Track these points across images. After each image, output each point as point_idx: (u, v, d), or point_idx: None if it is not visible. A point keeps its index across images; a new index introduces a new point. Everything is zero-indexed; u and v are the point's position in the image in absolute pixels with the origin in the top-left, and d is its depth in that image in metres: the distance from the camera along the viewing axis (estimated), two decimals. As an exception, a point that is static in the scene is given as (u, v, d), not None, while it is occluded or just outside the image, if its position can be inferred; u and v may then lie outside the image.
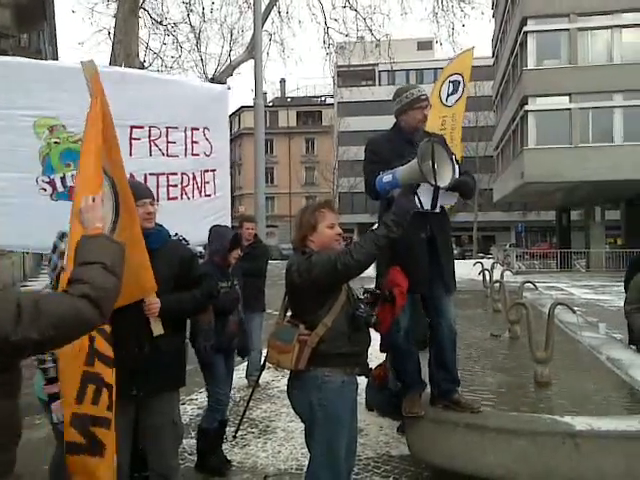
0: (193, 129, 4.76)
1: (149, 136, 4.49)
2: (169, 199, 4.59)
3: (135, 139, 4.37)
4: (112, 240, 2.05)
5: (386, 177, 3.21)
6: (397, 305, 3.13)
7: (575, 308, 5.16)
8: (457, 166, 3.43)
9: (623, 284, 6.40)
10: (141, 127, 4.43)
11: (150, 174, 4.43)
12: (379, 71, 52.47)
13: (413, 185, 3.06)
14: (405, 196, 2.91)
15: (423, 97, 3.59)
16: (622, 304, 5.85)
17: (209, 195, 4.97)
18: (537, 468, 3.17)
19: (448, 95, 8.05)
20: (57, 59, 23.90)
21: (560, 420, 3.28)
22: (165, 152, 4.59)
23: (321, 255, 2.83)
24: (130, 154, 4.28)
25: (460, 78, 8.06)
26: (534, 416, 3.45)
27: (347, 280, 2.90)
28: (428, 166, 2.96)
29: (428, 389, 3.80)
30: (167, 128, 4.58)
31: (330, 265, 2.76)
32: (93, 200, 2.21)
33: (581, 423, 3.21)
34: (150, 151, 4.50)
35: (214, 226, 4.48)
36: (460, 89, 8.02)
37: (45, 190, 4.15)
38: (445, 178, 3.08)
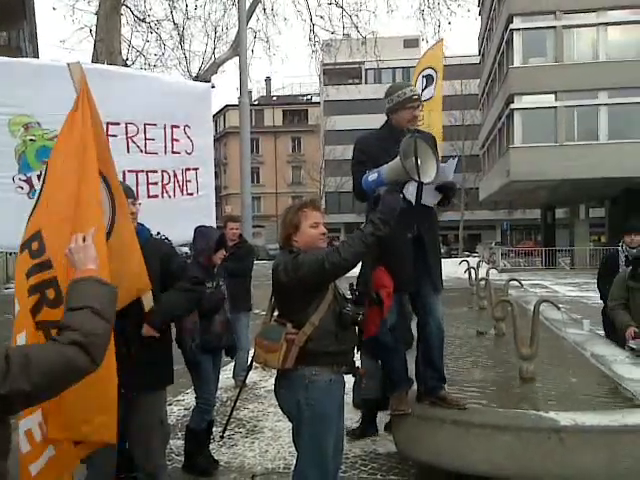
0: (173, 126, 4.72)
1: (126, 133, 4.43)
2: (149, 197, 4.55)
3: (111, 136, 4.29)
4: (103, 282, 1.97)
5: (372, 175, 3.20)
6: (385, 306, 3.13)
7: (560, 305, 5.21)
8: (454, 165, 3.44)
9: (596, 281, 6.47)
10: (117, 124, 4.38)
11: (129, 171, 4.38)
12: (365, 69, 52.46)
13: (399, 182, 3.06)
14: (391, 194, 2.90)
15: (415, 97, 3.57)
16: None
17: (191, 194, 4.93)
18: (523, 463, 3.19)
19: (422, 90, 8.04)
20: (38, 57, 23.60)
21: (545, 415, 3.31)
22: (143, 149, 4.54)
23: (308, 254, 2.83)
24: None
25: (433, 72, 8.06)
26: (519, 412, 3.47)
27: (335, 279, 2.90)
28: (411, 162, 2.95)
29: (414, 386, 3.82)
30: (145, 125, 4.53)
31: (318, 264, 2.75)
32: (84, 240, 2.09)
33: (565, 418, 3.24)
34: (127, 148, 4.45)
35: (199, 226, 4.45)
36: (434, 83, 8.00)
37: (22, 188, 4.11)
38: (429, 173, 3.06)
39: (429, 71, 8.09)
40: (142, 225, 3.27)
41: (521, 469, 3.21)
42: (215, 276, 4.43)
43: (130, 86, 4.52)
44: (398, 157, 2.94)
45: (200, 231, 4.38)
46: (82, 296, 1.85)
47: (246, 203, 8.73)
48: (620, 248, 6.09)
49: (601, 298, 6.40)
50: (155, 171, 4.62)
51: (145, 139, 4.55)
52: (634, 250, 5.88)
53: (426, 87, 8.02)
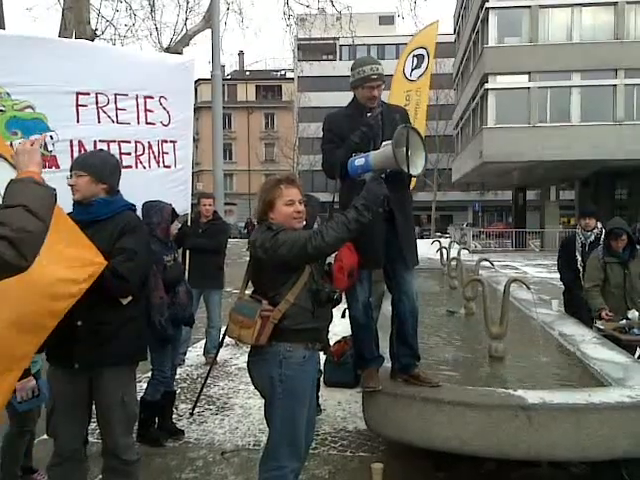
0: (146, 97, 4.71)
1: (96, 103, 4.43)
2: (123, 168, 4.52)
3: (82, 106, 4.32)
4: (40, 183, 1.97)
5: (358, 160, 3.18)
6: (335, 279, 3.05)
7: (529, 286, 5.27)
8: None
9: (557, 264, 6.61)
10: (87, 94, 4.37)
11: (100, 141, 4.38)
12: (340, 45, 51.87)
13: (385, 170, 3.06)
14: (376, 181, 2.90)
15: (374, 77, 3.39)
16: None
17: (168, 166, 4.91)
18: (491, 440, 3.23)
19: (412, 69, 8.05)
20: (3, 26, 22.75)
21: (513, 393, 3.35)
22: (115, 119, 4.53)
23: (289, 234, 2.79)
24: (77, 121, 4.28)
25: (424, 52, 8.08)
26: (488, 390, 3.51)
27: (315, 261, 2.89)
28: (402, 154, 2.94)
29: (387, 363, 3.83)
30: (115, 95, 4.52)
31: (299, 247, 2.73)
32: (32, 144, 2.12)
33: (533, 396, 3.28)
34: (98, 118, 4.44)
35: (146, 202, 4.25)
36: (425, 63, 8.02)
37: None
38: (418, 165, 3.08)
39: (420, 51, 8.12)
40: (113, 197, 3.14)
41: (489, 445, 3.24)
42: (173, 250, 4.44)
43: (101, 57, 4.51)
44: (389, 146, 2.93)
45: (151, 205, 4.29)
46: (17, 195, 1.86)
47: (218, 180, 8.61)
48: (577, 231, 6.22)
49: (561, 279, 6.53)
50: (128, 141, 4.62)
51: (116, 109, 4.56)
52: (589, 233, 6.01)
53: (416, 67, 8.04)
